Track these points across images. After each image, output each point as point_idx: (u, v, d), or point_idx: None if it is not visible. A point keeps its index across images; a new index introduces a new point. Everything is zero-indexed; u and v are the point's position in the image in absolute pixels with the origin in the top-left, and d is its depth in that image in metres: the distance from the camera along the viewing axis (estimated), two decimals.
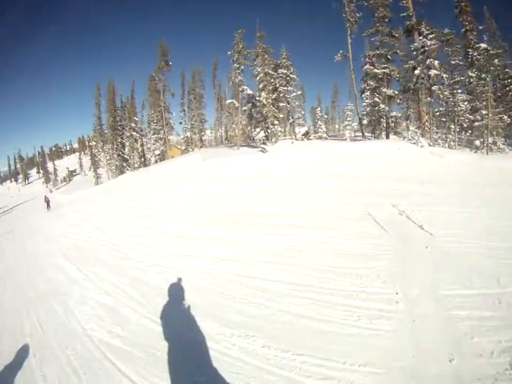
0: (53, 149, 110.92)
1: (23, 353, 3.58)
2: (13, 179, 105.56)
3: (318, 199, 8.03)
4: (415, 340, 2.81)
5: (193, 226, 7.31)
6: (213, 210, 8.37)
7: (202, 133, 40.55)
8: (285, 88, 26.21)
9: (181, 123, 38.54)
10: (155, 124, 34.48)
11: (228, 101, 27.66)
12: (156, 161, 34.87)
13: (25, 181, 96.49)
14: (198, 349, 3.13)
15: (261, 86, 24.07)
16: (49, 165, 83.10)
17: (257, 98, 24.75)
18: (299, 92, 29.69)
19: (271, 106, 24.08)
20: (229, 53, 26.25)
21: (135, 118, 37.88)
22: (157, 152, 34.52)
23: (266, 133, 24.28)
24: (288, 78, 26.40)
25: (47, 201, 20.20)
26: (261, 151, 20.66)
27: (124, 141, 36.91)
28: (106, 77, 36.34)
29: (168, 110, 32.97)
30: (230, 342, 3.16)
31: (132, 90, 38.58)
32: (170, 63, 33.64)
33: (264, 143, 23.28)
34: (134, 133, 36.65)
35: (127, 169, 35.87)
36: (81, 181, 57.55)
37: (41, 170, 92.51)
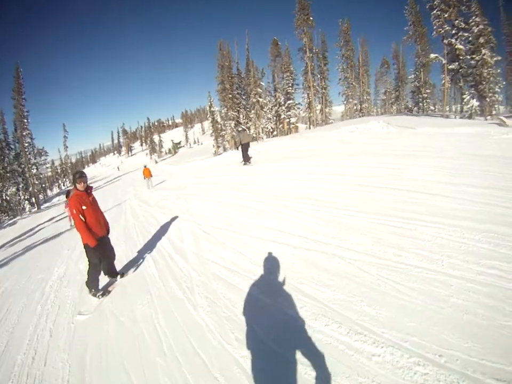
0: (155, 123, 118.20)
1: None
2: (115, 152, 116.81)
3: None
4: None
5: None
6: None
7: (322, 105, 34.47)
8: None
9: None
10: (290, 88, 29.67)
11: (432, 55, 20.89)
12: (288, 132, 30.32)
13: (128, 153, 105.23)
14: None
15: (481, 40, 18.71)
16: (155, 137, 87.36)
17: (466, 56, 19.47)
18: (499, 58, 21.63)
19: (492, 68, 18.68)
20: None
21: (261, 82, 33.79)
22: (293, 120, 29.71)
23: (482, 102, 17.56)
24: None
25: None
26: (497, 123, 12.72)
27: (240, 109, 33.50)
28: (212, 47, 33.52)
29: (312, 71, 27.98)
30: None
31: (248, 57, 34.48)
32: (312, 18, 29.01)
33: (470, 115, 16.83)
34: (260, 99, 32.57)
35: None
36: (188, 153, 57.45)
37: (144, 144, 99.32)
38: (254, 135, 31.81)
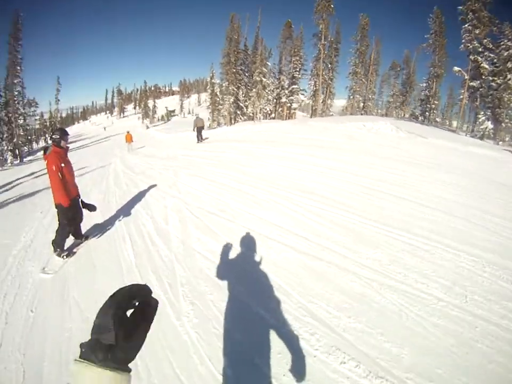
0: (152, 88, 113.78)
1: None
2: (108, 111, 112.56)
3: None
4: None
5: None
6: None
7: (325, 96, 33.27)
8: None
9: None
10: (297, 73, 28.44)
11: (456, 69, 19.90)
12: (287, 116, 29.33)
13: (120, 115, 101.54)
14: None
15: (509, 65, 17.81)
16: (150, 102, 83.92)
17: (488, 77, 18.54)
18: None
19: None
20: (460, 8, 19.99)
21: (267, 62, 32.38)
22: (294, 105, 28.68)
23: (496, 125, 17.14)
24: None
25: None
26: None
27: (241, 86, 32.32)
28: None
29: (324, 60, 26.90)
30: None
31: (257, 34, 32.78)
32: (333, 6, 27.61)
33: (482, 136, 16.36)
34: (264, 79, 31.27)
35: (240, 119, 31.64)
36: (181, 123, 55.42)
37: (137, 107, 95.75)
38: (251, 115, 30.94)
